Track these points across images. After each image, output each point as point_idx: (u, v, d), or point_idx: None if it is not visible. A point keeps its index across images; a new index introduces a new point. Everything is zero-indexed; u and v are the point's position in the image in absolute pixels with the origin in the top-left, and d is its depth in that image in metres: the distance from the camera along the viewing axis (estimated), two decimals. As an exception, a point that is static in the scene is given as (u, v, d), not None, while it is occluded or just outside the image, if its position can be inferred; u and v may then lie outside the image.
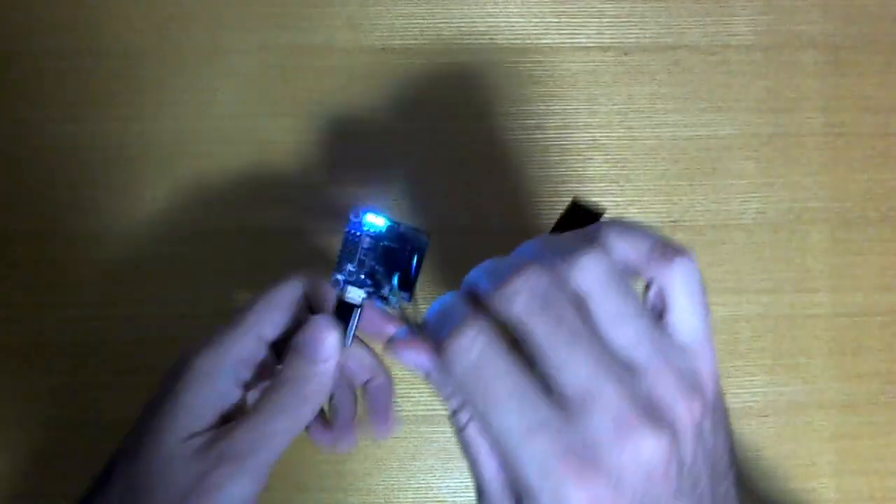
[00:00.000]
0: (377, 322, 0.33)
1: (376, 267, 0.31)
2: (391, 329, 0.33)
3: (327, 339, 0.30)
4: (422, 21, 0.44)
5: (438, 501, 0.42)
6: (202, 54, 0.43)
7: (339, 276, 0.31)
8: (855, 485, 0.44)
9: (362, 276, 0.31)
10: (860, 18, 0.45)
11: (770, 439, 0.43)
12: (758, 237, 0.44)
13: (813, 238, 0.44)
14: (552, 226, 0.28)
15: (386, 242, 0.31)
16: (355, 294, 0.31)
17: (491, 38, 0.44)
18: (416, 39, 0.44)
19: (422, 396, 0.43)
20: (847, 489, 0.43)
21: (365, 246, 0.31)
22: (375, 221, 0.31)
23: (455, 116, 0.44)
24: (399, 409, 0.43)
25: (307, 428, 0.34)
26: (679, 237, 0.44)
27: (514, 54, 0.44)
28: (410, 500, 0.42)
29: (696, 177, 0.44)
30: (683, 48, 0.44)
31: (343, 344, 0.30)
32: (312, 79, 0.43)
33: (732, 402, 0.44)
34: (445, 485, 0.42)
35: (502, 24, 0.44)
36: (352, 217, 0.31)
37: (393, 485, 0.42)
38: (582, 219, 0.28)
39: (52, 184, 0.43)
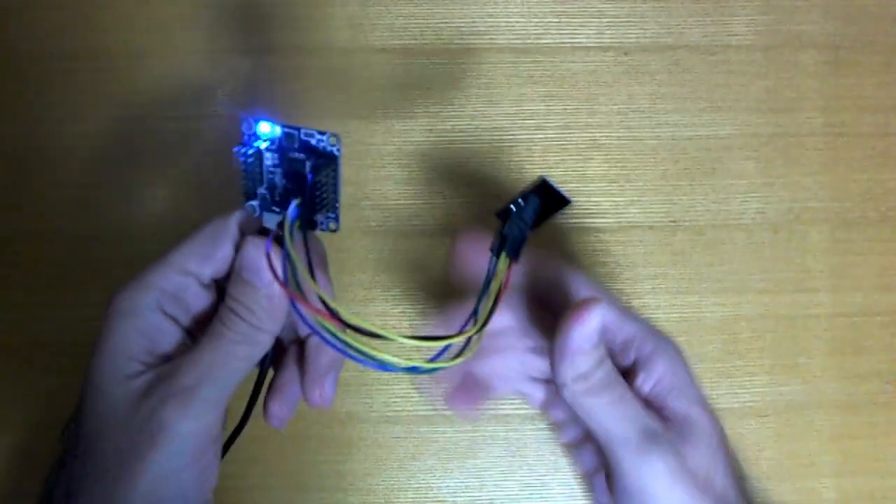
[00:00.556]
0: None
1: (288, 186, 0.26)
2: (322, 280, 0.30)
3: (262, 262, 0.27)
4: (422, 21, 0.44)
5: (438, 501, 0.42)
6: (202, 54, 0.43)
7: (254, 203, 0.27)
8: (855, 485, 0.44)
9: (277, 199, 0.27)
10: (860, 18, 0.45)
11: (770, 439, 0.43)
12: (758, 237, 0.44)
13: (813, 238, 0.44)
14: (514, 196, 0.28)
15: (292, 154, 0.26)
16: (269, 220, 0.27)
17: (491, 38, 0.44)
18: (416, 39, 0.44)
19: (421, 396, 0.43)
20: (847, 489, 0.43)
21: (268, 163, 0.27)
22: (269, 130, 0.26)
23: (455, 116, 0.44)
24: (399, 408, 0.43)
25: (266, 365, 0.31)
26: (679, 237, 0.44)
27: (514, 54, 0.44)
28: (410, 500, 0.42)
29: (696, 177, 0.44)
30: (683, 48, 0.44)
31: (283, 275, 0.26)
32: (312, 79, 0.43)
33: (732, 402, 0.44)
34: (445, 485, 0.42)
35: (502, 24, 0.44)
36: (244, 130, 0.26)
37: (393, 485, 0.42)
38: (549, 200, 0.28)
39: (52, 184, 0.43)
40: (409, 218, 0.43)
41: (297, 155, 0.26)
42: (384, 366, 0.23)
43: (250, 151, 0.26)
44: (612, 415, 0.29)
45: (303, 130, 0.26)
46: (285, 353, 0.33)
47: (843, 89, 0.45)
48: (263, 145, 0.26)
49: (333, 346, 0.23)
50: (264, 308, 0.27)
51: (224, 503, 0.42)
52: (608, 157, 0.44)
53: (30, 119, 0.43)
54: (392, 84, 0.44)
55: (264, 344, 0.28)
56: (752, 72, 0.44)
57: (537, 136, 0.44)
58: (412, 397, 0.43)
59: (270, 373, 0.32)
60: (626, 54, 0.44)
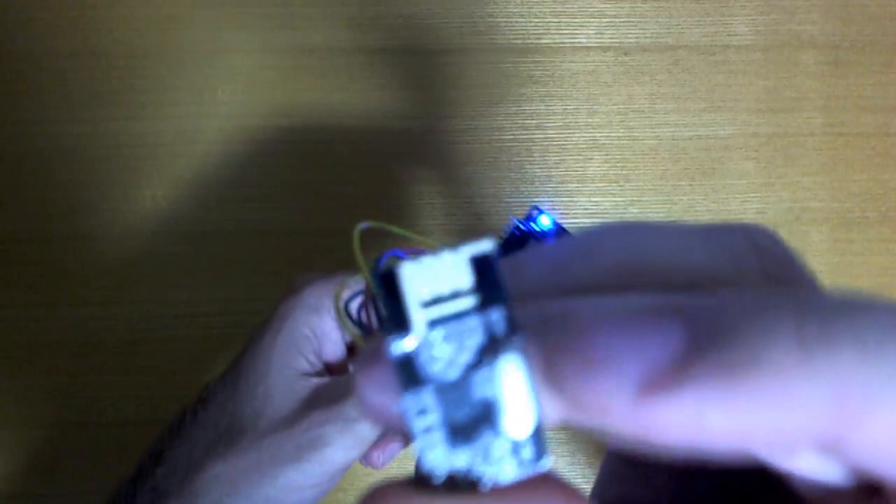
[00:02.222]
0: None
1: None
2: None
3: None
4: (422, 21, 0.44)
5: (438, 501, 0.42)
6: (202, 54, 0.43)
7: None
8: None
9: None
10: (860, 18, 0.45)
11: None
12: (758, 237, 0.44)
13: (813, 238, 0.44)
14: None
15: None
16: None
17: (491, 38, 0.44)
18: (416, 39, 0.44)
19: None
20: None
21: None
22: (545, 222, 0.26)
23: (455, 116, 0.44)
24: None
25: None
26: (679, 237, 0.44)
27: (514, 54, 0.44)
28: (410, 500, 0.42)
29: (696, 177, 0.44)
30: (683, 48, 0.44)
31: None
32: (312, 79, 0.43)
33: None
34: (445, 485, 0.42)
35: (502, 24, 0.44)
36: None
37: (393, 485, 0.42)
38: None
39: (52, 184, 0.43)
40: (410, 217, 0.43)
41: None
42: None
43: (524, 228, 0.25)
44: None
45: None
46: None
47: (843, 89, 0.45)
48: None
49: None
50: None
51: (224, 503, 0.42)
52: (608, 157, 0.44)
53: (29, 119, 0.43)
54: (392, 84, 0.44)
55: None
56: (752, 72, 0.44)
57: (537, 136, 0.44)
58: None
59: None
60: (626, 54, 0.44)
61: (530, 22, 0.44)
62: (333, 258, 0.41)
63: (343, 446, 0.27)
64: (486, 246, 0.11)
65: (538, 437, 0.11)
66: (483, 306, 0.11)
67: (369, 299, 0.26)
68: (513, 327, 0.11)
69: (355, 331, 0.22)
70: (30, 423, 0.42)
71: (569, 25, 0.44)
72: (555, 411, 0.11)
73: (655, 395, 0.09)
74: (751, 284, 0.12)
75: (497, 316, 0.11)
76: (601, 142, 0.44)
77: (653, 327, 0.10)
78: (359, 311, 0.28)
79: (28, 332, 0.42)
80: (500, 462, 0.11)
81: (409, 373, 0.11)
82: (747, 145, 0.44)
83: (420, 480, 0.11)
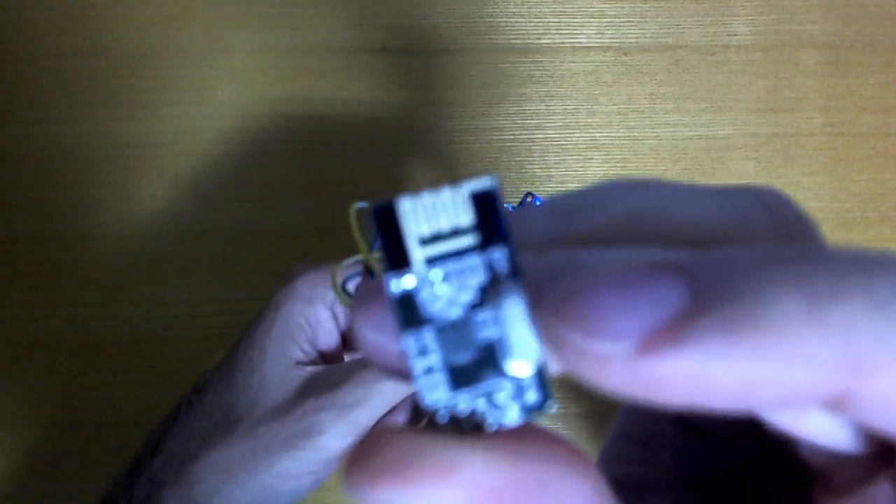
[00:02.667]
0: None
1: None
2: None
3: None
4: (422, 21, 0.44)
5: (438, 501, 0.42)
6: (202, 54, 0.43)
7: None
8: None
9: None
10: (860, 18, 0.45)
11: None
12: (758, 237, 0.44)
13: (813, 238, 0.44)
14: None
15: None
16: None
17: (491, 38, 0.44)
18: (416, 39, 0.44)
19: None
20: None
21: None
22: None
23: (455, 116, 0.44)
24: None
25: None
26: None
27: (514, 54, 0.44)
28: (410, 500, 0.42)
29: (696, 177, 0.44)
30: (683, 48, 0.44)
31: None
32: (312, 79, 0.43)
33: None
34: (445, 485, 0.42)
35: (502, 24, 0.44)
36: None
37: (393, 485, 0.42)
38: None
39: (52, 184, 0.43)
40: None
41: None
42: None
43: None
44: None
45: None
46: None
47: (843, 89, 0.45)
48: None
49: None
50: None
51: (224, 503, 0.42)
52: (608, 157, 0.44)
53: (29, 119, 0.43)
54: (392, 84, 0.44)
55: None
56: (752, 72, 0.44)
57: (537, 136, 0.44)
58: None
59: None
60: (626, 54, 0.44)
61: (530, 22, 0.44)
62: (333, 258, 0.41)
63: (337, 434, 0.27)
64: (487, 182, 0.10)
65: (541, 379, 0.10)
66: (484, 245, 0.10)
67: (367, 277, 0.26)
68: (515, 267, 0.10)
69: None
70: (30, 422, 0.42)
71: (569, 25, 0.44)
72: (555, 364, 0.10)
73: (655, 351, 0.09)
74: (761, 242, 0.11)
75: (499, 255, 0.10)
76: (601, 142, 0.44)
77: (655, 283, 0.09)
78: (356, 290, 0.28)
79: (28, 332, 0.42)
80: (504, 406, 0.11)
81: (409, 312, 0.10)
82: (747, 145, 0.44)
83: (418, 419, 0.11)
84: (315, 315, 0.30)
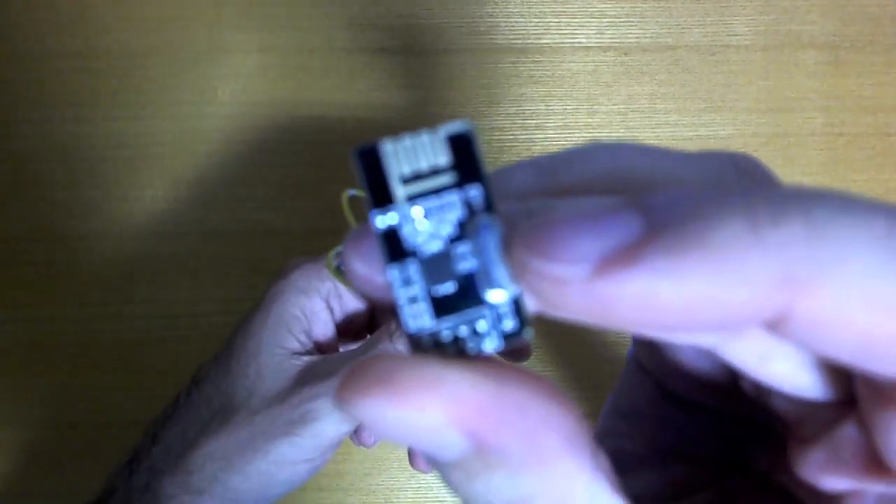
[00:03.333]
0: None
1: None
2: None
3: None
4: (422, 21, 0.44)
5: (438, 501, 0.42)
6: (202, 54, 0.43)
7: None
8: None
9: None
10: (860, 18, 0.45)
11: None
12: (758, 237, 0.44)
13: (813, 238, 0.44)
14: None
15: None
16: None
17: (491, 38, 0.44)
18: (416, 39, 0.44)
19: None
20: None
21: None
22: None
23: (455, 116, 0.44)
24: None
25: None
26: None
27: (514, 54, 0.44)
28: (410, 500, 0.42)
29: (696, 177, 0.44)
30: (683, 48, 0.44)
31: None
32: (313, 79, 0.43)
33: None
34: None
35: (502, 24, 0.44)
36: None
37: (393, 485, 0.42)
38: None
39: (52, 184, 0.43)
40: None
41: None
42: None
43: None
44: None
45: None
46: None
47: (843, 89, 0.45)
48: None
49: None
50: None
51: (224, 503, 0.42)
52: (608, 157, 0.44)
53: (29, 119, 0.43)
54: (392, 84, 0.44)
55: None
56: (752, 72, 0.44)
57: (537, 136, 0.44)
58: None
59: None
60: (626, 54, 0.44)
61: (530, 22, 0.44)
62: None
63: (333, 420, 0.28)
64: (463, 126, 0.11)
65: (518, 308, 0.11)
66: (461, 183, 0.11)
67: None
68: (490, 203, 0.11)
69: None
70: (30, 422, 0.42)
71: (569, 25, 0.44)
72: (532, 299, 0.11)
73: (608, 273, 0.10)
74: None
75: (475, 192, 0.11)
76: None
77: (612, 216, 0.10)
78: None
79: (28, 332, 0.42)
80: (483, 333, 0.11)
81: (393, 246, 0.11)
82: (747, 145, 0.44)
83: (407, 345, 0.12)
84: (310, 306, 0.30)
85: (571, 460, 0.11)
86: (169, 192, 0.43)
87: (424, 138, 0.11)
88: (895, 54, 0.45)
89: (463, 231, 0.11)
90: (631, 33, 0.44)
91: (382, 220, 0.11)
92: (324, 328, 0.31)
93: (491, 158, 0.44)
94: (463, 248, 0.11)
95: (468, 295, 0.11)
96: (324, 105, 0.43)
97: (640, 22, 0.44)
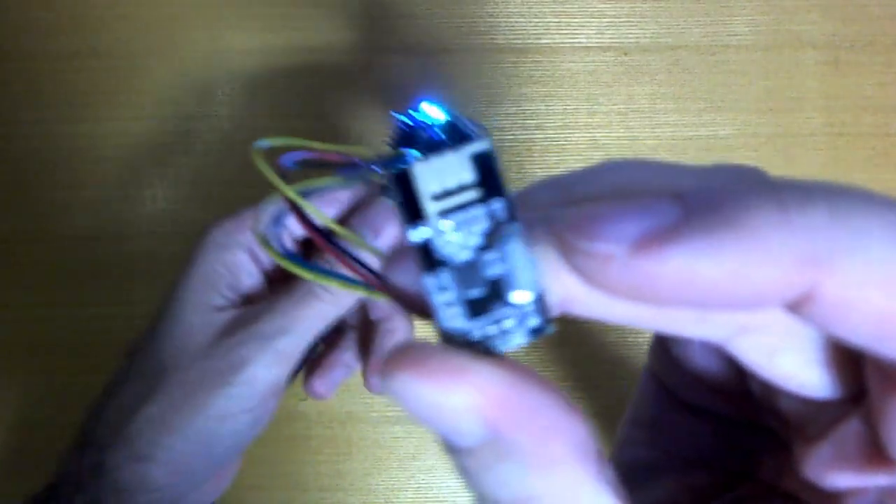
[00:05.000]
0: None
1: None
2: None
3: (390, 223, 0.28)
4: (422, 21, 0.44)
5: (438, 501, 0.42)
6: (202, 54, 0.43)
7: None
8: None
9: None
10: (860, 18, 0.45)
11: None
12: (758, 237, 0.44)
13: (813, 238, 0.44)
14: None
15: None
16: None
17: (491, 38, 0.44)
18: (416, 39, 0.44)
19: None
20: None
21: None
22: (434, 114, 0.25)
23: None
24: (399, 408, 0.43)
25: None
26: (679, 237, 0.44)
27: (514, 54, 0.44)
28: (410, 500, 0.42)
29: (696, 177, 0.44)
30: (683, 48, 0.44)
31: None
32: (312, 79, 0.43)
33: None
34: (445, 485, 0.42)
35: (502, 24, 0.44)
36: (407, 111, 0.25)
37: (393, 485, 0.42)
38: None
39: (52, 184, 0.43)
40: (409, 218, 0.43)
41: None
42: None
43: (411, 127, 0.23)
44: None
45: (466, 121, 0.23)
46: (342, 335, 0.34)
47: (843, 89, 0.45)
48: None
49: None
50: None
51: (224, 503, 0.42)
52: (608, 157, 0.44)
53: (29, 119, 0.43)
54: (392, 84, 0.44)
55: (347, 308, 0.29)
56: (752, 72, 0.44)
57: (537, 136, 0.44)
58: (412, 397, 0.43)
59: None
60: (626, 54, 0.44)
61: (530, 22, 0.44)
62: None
63: (264, 363, 0.28)
64: (483, 144, 0.12)
65: (541, 307, 0.13)
66: (486, 197, 0.13)
67: (295, 210, 0.24)
68: (512, 214, 0.13)
69: (279, 251, 0.21)
70: (29, 423, 0.42)
71: (569, 25, 0.44)
72: (563, 285, 0.12)
73: (647, 251, 0.11)
74: None
75: (498, 205, 0.13)
76: (601, 142, 0.44)
77: (651, 202, 0.11)
78: (278, 232, 0.28)
79: (28, 332, 0.42)
80: (510, 331, 0.13)
81: (428, 257, 0.12)
82: (747, 145, 0.44)
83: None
84: (232, 260, 0.30)
85: (579, 468, 0.11)
86: (169, 192, 0.43)
87: (450, 157, 0.12)
88: (895, 54, 0.45)
89: (489, 241, 0.12)
90: (631, 33, 0.44)
91: (417, 235, 0.12)
92: (250, 280, 0.30)
93: (491, 158, 0.44)
94: (490, 255, 0.12)
95: (496, 298, 0.12)
96: (323, 105, 0.43)
97: (640, 22, 0.44)
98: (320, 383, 0.33)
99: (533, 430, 0.11)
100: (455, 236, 0.12)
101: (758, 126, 0.44)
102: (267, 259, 0.30)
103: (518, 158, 0.44)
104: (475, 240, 0.12)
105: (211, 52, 0.43)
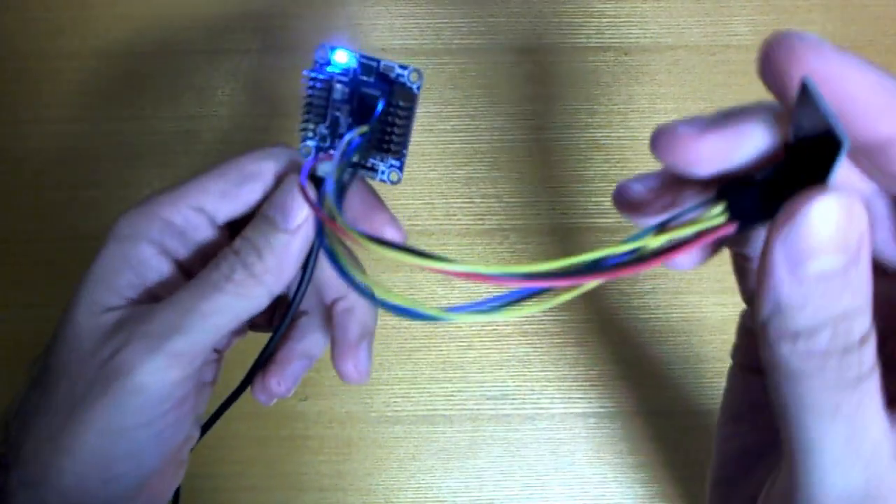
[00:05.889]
0: (365, 206, 0.26)
1: (354, 126, 0.23)
2: (382, 218, 0.26)
3: (298, 204, 0.23)
4: (422, 21, 0.44)
5: (438, 501, 0.42)
6: (202, 54, 0.43)
7: (310, 143, 0.24)
8: None
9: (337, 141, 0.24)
10: (860, 18, 0.45)
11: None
12: (758, 237, 0.44)
13: (813, 238, 0.44)
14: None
15: (365, 89, 0.23)
16: (323, 169, 0.23)
17: (491, 38, 0.44)
18: (416, 39, 0.44)
19: (421, 396, 0.43)
20: None
21: (337, 97, 0.23)
22: (346, 60, 0.23)
23: (455, 116, 0.44)
24: (399, 408, 0.43)
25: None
26: (679, 237, 0.44)
27: (514, 54, 0.44)
28: (410, 500, 0.42)
29: (696, 177, 0.44)
30: (683, 48, 0.44)
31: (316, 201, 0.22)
32: (312, 79, 0.43)
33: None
34: (445, 485, 0.42)
35: (502, 24, 0.44)
36: (317, 58, 0.23)
37: (393, 485, 0.42)
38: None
39: (52, 184, 0.43)
40: (409, 218, 0.43)
41: (370, 90, 0.23)
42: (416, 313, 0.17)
43: (321, 77, 0.23)
44: (835, 434, 0.15)
45: (382, 63, 0.23)
46: (294, 324, 0.29)
47: (843, 89, 0.45)
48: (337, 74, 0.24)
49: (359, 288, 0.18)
50: (276, 254, 0.23)
51: (224, 503, 0.42)
52: (608, 157, 0.44)
53: (29, 119, 0.43)
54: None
55: (258, 301, 0.24)
56: (752, 72, 0.44)
57: (537, 136, 0.44)
58: (412, 397, 0.43)
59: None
60: (626, 54, 0.44)
61: (530, 22, 0.44)
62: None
63: (151, 369, 0.23)
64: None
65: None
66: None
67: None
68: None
69: (349, 225, 0.18)
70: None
71: (569, 25, 0.44)
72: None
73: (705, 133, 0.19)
74: None
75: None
76: (601, 142, 0.44)
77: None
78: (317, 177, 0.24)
79: (28, 332, 0.42)
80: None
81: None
82: (747, 145, 0.44)
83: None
84: (136, 254, 0.25)
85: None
86: (169, 192, 0.43)
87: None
88: (895, 54, 0.45)
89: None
90: (631, 33, 0.44)
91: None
92: (158, 275, 0.25)
93: (491, 158, 0.43)
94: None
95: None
96: (324, 105, 0.43)
97: (640, 22, 0.44)
98: (277, 381, 0.28)
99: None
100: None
101: (758, 126, 0.44)
102: (182, 249, 0.25)
103: (518, 158, 0.44)
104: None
105: (211, 52, 0.43)
